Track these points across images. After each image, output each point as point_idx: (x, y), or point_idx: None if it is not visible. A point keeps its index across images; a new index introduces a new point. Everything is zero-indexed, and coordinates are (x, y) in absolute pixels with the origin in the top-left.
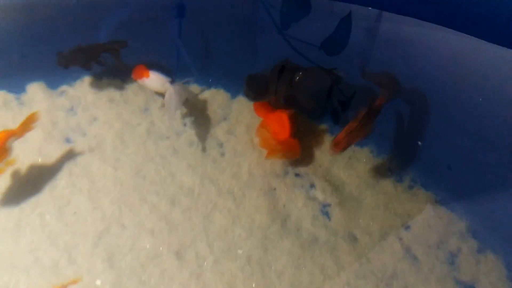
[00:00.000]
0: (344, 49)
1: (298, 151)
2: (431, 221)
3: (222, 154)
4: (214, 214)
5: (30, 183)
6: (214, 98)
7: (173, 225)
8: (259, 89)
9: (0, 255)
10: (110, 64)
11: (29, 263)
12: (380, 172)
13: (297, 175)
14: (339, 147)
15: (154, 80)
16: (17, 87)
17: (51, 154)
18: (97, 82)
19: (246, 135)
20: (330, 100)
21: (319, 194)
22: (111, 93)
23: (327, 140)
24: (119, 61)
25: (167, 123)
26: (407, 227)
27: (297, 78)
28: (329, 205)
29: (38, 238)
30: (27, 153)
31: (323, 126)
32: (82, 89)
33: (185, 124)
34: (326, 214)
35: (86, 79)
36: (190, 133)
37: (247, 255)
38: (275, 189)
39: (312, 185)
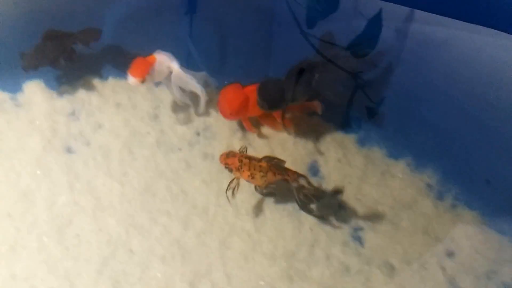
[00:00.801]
0: (373, 51)
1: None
2: (478, 247)
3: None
4: (231, 239)
5: (27, 198)
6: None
7: (186, 251)
8: (275, 97)
9: None
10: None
11: None
12: (418, 189)
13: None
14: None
15: (161, 63)
16: (12, 85)
17: (50, 165)
18: (102, 82)
19: (266, 146)
20: (352, 106)
21: (349, 216)
22: (118, 96)
23: (356, 152)
24: (74, 57)
25: (179, 132)
26: (450, 254)
27: (317, 75)
28: (360, 228)
29: (35, 264)
30: (24, 163)
31: (351, 136)
32: (85, 90)
33: (198, 133)
34: (358, 240)
35: (90, 78)
36: (203, 143)
37: (270, 287)
38: (300, 209)
39: (340, 206)
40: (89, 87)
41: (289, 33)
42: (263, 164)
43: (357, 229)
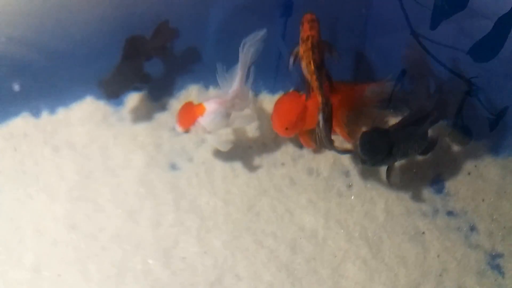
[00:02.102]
0: (497, 55)
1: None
2: None
3: (349, 186)
4: (345, 266)
5: (132, 218)
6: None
7: (296, 278)
8: (380, 151)
9: None
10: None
11: None
12: None
13: (450, 213)
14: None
15: (214, 113)
16: (115, 98)
17: (154, 183)
18: (204, 92)
19: None
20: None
21: (484, 240)
22: None
23: (490, 163)
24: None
25: (281, 145)
26: None
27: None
28: (500, 255)
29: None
30: (128, 180)
31: (483, 143)
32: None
33: (301, 147)
34: (497, 269)
35: (192, 89)
36: (308, 157)
37: None
38: (423, 233)
39: (472, 228)
40: (192, 98)
41: (398, 37)
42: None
43: (495, 256)
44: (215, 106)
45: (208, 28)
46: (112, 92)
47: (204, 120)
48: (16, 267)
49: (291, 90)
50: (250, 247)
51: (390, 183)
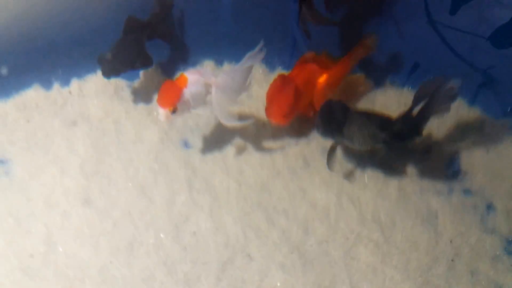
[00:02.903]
0: None
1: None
2: None
3: (363, 166)
4: (357, 249)
5: (146, 194)
6: (352, 86)
7: (307, 260)
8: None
9: (112, 280)
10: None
11: None
12: None
13: (466, 192)
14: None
15: (196, 82)
16: (130, 72)
17: (168, 160)
18: (218, 68)
19: None
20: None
21: (501, 223)
22: None
23: (511, 142)
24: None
25: (295, 124)
26: None
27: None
28: None
29: (153, 264)
30: (142, 157)
31: (503, 121)
32: None
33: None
34: None
35: (206, 64)
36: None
37: None
38: (436, 213)
39: (489, 208)
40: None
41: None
42: None
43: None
44: (197, 76)
45: (222, 3)
46: (111, 70)
47: (189, 92)
48: (27, 239)
49: (277, 75)
50: (262, 225)
51: (328, 165)
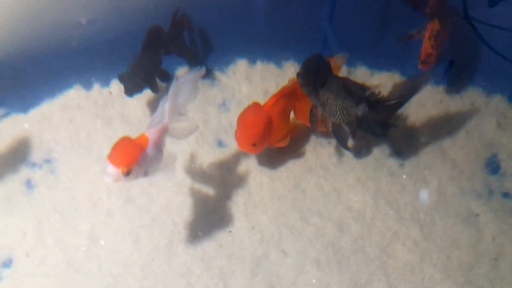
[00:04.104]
0: None
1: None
2: None
3: (401, 165)
4: (394, 247)
5: (183, 191)
6: (388, 84)
7: (342, 257)
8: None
9: (153, 276)
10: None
11: None
12: None
13: (506, 195)
14: (431, 62)
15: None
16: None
17: (203, 159)
18: (251, 67)
19: (433, 138)
20: None
21: None
22: (266, 82)
23: None
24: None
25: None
26: None
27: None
28: None
29: (191, 260)
30: (180, 156)
31: None
32: (236, 77)
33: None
34: None
35: (241, 63)
36: (357, 136)
37: None
38: (477, 215)
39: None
40: (240, 73)
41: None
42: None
43: None
44: (159, 136)
45: (256, 2)
46: (133, 86)
47: (148, 154)
48: (72, 234)
49: (252, 102)
50: (296, 224)
51: (311, 125)
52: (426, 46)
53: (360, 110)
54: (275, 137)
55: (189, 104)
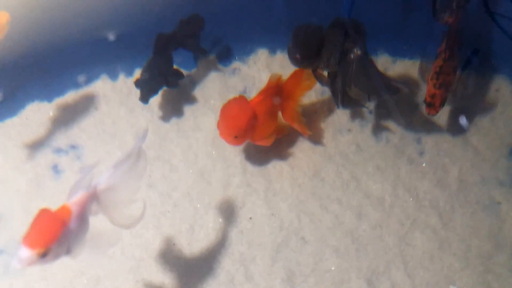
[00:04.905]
0: None
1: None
2: None
3: (421, 153)
4: (413, 235)
5: (204, 178)
6: (409, 72)
7: (361, 244)
8: (311, 47)
9: (175, 261)
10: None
11: (203, 274)
12: None
13: None
14: (437, 104)
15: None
16: (188, 62)
17: (224, 145)
18: (271, 57)
19: (455, 125)
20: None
21: None
22: (285, 72)
23: None
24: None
25: (348, 111)
26: None
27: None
28: None
29: (212, 245)
30: (201, 143)
31: None
32: (256, 66)
33: (370, 111)
34: None
35: (261, 53)
36: (376, 123)
37: None
38: (499, 203)
39: None
40: (260, 62)
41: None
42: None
43: None
44: (82, 207)
45: None
46: (149, 91)
47: (71, 229)
48: (97, 219)
49: (238, 95)
50: (316, 211)
51: (319, 79)
52: (429, 85)
53: (359, 49)
54: (258, 134)
55: (136, 185)
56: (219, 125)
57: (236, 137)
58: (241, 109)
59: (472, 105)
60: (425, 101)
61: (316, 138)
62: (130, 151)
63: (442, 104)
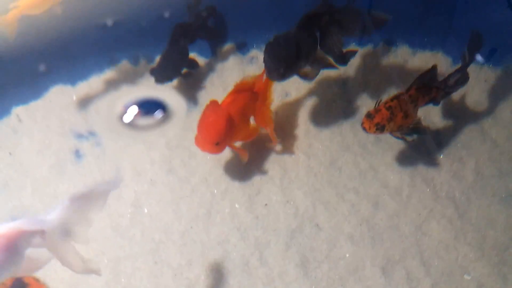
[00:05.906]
0: None
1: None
2: None
3: (439, 144)
4: (429, 224)
5: (221, 164)
6: (429, 64)
7: (377, 233)
8: (288, 57)
9: (192, 243)
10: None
11: (218, 257)
12: None
13: None
14: (375, 121)
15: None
16: (207, 50)
17: None
18: None
19: (473, 117)
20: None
21: None
22: None
23: None
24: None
25: (367, 101)
26: None
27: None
28: None
29: (228, 229)
30: None
31: None
32: None
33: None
34: None
35: None
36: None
37: (477, 284)
38: None
39: None
40: None
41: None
42: (412, 92)
43: None
44: (13, 238)
45: None
46: (163, 77)
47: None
48: (118, 202)
49: (210, 101)
50: (331, 200)
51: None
52: (385, 100)
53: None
54: (236, 136)
55: (89, 222)
56: (197, 139)
57: (217, 143)
58: (217, 114)
59: (491, 97)
60: (368, 111)
61: (334, 128)
62: (95, 188)
63: (377, 126)
